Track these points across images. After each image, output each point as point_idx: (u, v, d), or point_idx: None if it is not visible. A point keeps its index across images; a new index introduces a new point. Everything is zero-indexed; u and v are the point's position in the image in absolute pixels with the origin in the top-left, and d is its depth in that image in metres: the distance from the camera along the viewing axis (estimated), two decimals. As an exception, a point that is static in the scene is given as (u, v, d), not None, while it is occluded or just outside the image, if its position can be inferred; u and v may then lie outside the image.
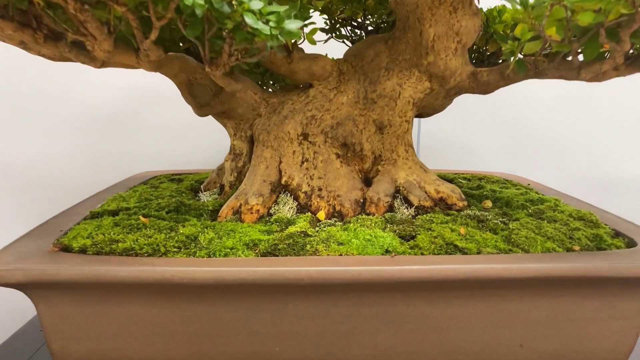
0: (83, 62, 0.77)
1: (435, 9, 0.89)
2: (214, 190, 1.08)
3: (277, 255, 0.74)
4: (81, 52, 0.73)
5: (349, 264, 0.70)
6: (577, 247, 0.79)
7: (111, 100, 1.67)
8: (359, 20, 1.21)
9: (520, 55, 0.89)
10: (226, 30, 0.65)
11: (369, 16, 1.19)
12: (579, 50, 0.79)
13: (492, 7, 1.08)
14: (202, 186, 1.11)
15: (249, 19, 0.60)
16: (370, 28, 1.23)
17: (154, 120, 1.69)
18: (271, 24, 0.64)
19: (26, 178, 1.67)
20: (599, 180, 1.81)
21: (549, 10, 0.69)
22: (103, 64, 0.79)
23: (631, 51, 0.80)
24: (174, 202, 0.95)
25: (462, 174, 1.37)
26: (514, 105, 1.75)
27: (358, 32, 1.22)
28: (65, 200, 1.60)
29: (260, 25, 0.62)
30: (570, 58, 0.85)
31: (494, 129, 1.78)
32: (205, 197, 1.05)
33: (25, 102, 1.63)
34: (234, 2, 0.60)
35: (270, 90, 1.13)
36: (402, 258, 0.74)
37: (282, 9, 0.65)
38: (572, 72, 0.82)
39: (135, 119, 1.69)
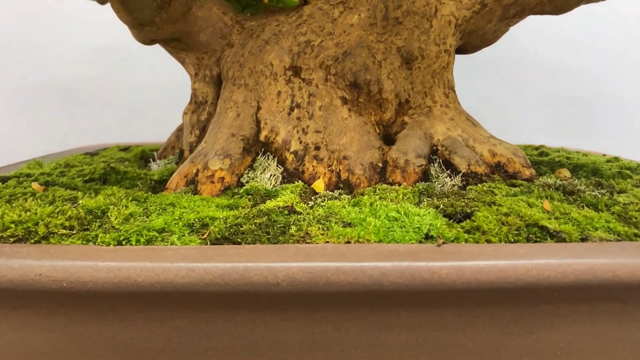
0: None
1: None
2: (171, 157, 0.77)
3: (239, 243, 0.43)
4: None
5: (363, 258, 0.39)
6: None
7: (74, 65, 1.37)
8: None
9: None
10: None
11: None
12: None
13: None
14: (156, 153, 0.81)
15: None
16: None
17: (125, 87, 1.39)
18: None
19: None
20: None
21: None
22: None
23: None
24: (102, 168, 0.64)
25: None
26: (562, 72, 1.43)
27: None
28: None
29: None
30: None
31: (537, 101, 1.45)
32: (156, 167, 0.74)
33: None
34: None
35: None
36: (454, 248, 0.42)
37: None
38: None
39: (104, 86, 1.39)
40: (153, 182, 0.64)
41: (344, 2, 0.68)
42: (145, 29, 0.64)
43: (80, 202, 0.47)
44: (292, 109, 0.65)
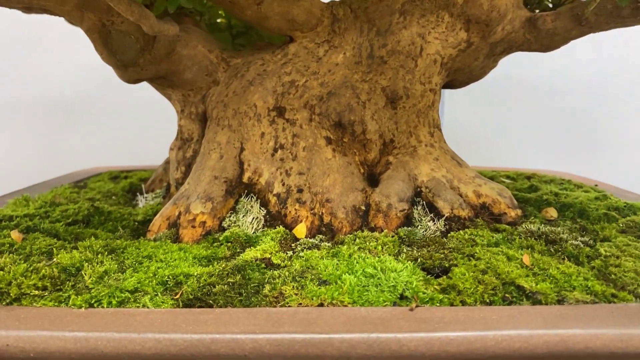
0: None
1: None
2: (158, 191, 0.77)
3: (211, 306, 0.43)
4: None
5: (333, 326, 0.39)
6: None
7: (69, 82, 1.37)
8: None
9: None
10: None
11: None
12: None
13: None
14: (144, 186, 0.81)
15: None
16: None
17: (120, 105, 1.39)
18: None
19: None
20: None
21: None
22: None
23: None
24: (85, 208, 0.64)
25: (502, 171, 1.04)
26: (558, 88, 1.42)
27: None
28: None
29: None
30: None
31: (533, 118, 1.44)
32: (144, 201, 0.74)
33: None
34: None
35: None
36: (427, 313, 0.42)
37: None
38: None
39: (97, 104, 1.39)
40: (136, 223, 0.64)
41: (329, 41, 0.68)
42: (129, 70, 0.64)
43: (55, 259, 0.47)
44: (275, 150, 0.64)
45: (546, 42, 0.67)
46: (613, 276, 0.48)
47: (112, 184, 0.86)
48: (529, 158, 1.42)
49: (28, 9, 0.57)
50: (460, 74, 0.72)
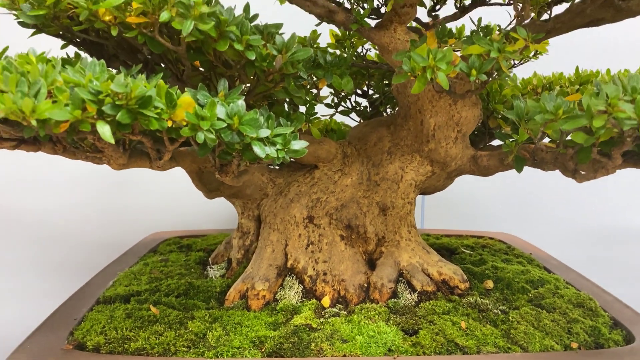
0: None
1: (435, 102, 0.92)
2: (222, 264, 1.11)
3: (283, 356, 0.77)
4: (99, 161, 0.77)
5: (352, 369, 0.73)
6: (574, 344, 0.81)
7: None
8: (364, 89, 1.25)
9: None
10: (235, 151, 0.68)
11: (372, 88, 1.22)
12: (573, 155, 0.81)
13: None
14: (210, 259, 1.15)
15: (257, 149, 0.63)
16: (375, 96, 1.26)
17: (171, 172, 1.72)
18: (278, 146, 0.67)
19: (42, 229, 1.70)
20: (603, 229, 1.83)
21: (543, 127, 0.72)
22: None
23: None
24: (183, 284, 0.98)
25: (466, 236, 1.39)
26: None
27: (362, 102, 1.25)
28: (80, 253, 1.64)
29: (268, 151, 0.65)
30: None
31: (499, 182, 1.80)
32: (214, 272, 1.08)
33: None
34: (244, 133, 0.63)
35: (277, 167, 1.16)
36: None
37: (288, 130, 0.69)
38: (567, 172, 0.84)
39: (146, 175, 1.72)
40: (217, 293, 0.98)
41: (342, 169, 1.02)
42: (213, 193, 0.99)
43: (189, 327, 0.81)
44: (308, 245, 0.99)
45: (484, 172, 1.02)
46: (512, 335, 0.82)
47: (183, 255, 1.20)
48: (494, 213, 1.78)
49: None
50: (428, 189, 1.07)
